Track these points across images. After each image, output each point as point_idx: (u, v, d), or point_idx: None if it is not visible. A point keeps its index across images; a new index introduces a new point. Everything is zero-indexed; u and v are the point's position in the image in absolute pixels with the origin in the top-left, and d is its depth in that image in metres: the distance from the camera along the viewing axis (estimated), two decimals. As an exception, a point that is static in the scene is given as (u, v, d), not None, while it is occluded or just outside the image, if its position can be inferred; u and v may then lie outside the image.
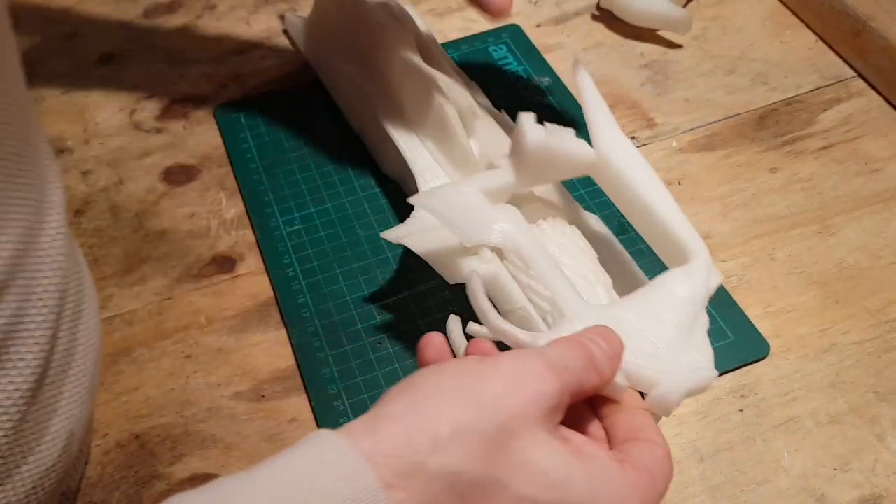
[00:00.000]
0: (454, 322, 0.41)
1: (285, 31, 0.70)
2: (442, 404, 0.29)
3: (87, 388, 0.41)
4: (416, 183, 0.53)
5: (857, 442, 0.47)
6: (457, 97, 0.54)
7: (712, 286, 0.43)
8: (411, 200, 0.46)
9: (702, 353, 0.40)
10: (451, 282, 0.46)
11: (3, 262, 0.33)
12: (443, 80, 0.55)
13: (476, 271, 0.41)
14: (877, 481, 0.45)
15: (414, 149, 0.55)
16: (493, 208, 0.44)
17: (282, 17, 0.72)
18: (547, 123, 0.47)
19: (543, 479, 0.29)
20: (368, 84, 0.59)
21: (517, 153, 0.47)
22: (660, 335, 0.39)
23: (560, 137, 0.47)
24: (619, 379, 0.35)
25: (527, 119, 0.46)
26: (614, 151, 0.47)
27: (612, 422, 0.35)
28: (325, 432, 0.29)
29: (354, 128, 0.62)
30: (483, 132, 0.54)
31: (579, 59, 0.49)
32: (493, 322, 0.39)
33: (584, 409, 0.35)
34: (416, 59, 0.55)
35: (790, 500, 0.45)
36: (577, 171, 0.49)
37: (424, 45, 0.59)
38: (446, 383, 0.30)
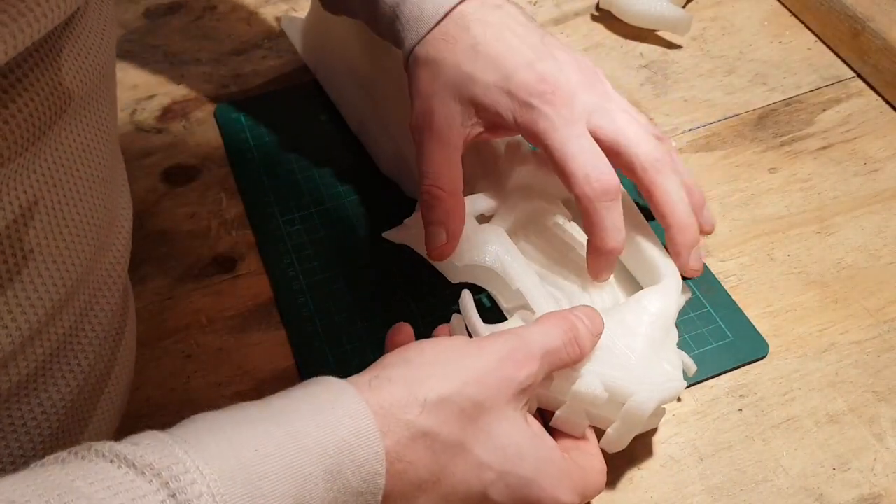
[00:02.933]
0: (467, 298, 0.43)
1: (283, 32, 0.71)
2: (432, 375, 0.35)
3: (117, 408, 0.42)
4: (414, 182, 0.53)
5: (856, 441, 0.47)
6: None
7: (682, 302, 0.46)
8: (407, 222, 0.48)
9: (672, 365, 0.43)
10: (453, 280, 0.47)
11: (71, 278, 0.34)
12: None
13: (467, 290, 0.44)
14: (876, 481, 0.45)
15: (413, 149, 0.55)
16: (482, 230, 0.47)
17: (278, 19, 0.72)
18: (533, 151, 0.50)
19: (501, 451, 0.36)
20: (368, 86, 0.59)
21: (504, 181, 0.49)
22: (633, 348, 0.43)
23: (545, 164, 0.49)
24: (598, 390, 0.40)
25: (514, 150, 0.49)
26: None
27: (561, 437, 0.42)
28: (333, 379, 0.34)
29: (352, 127, 0.62)
30: None
31: None
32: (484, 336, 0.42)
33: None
34: None
35: (789, 499, 0.45)
36: (559, 195, 0.51)
37: None
38: (438, 358, 0.36)
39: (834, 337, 0.51)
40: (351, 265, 0.55)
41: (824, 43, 0.69)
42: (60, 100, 0.31)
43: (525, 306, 0.45)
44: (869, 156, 0.61)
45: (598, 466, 0.41)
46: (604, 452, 0.43)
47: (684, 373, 0.45)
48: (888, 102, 0.65)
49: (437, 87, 0.45)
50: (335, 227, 0.57)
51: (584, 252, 0.48)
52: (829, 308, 0.53)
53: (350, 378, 0.35)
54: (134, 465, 0.27)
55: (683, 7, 0.71)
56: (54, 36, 0.30)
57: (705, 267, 0.54)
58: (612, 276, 0.48)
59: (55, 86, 0.30)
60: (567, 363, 0.40)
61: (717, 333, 0.51)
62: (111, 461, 0.27)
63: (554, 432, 0.42)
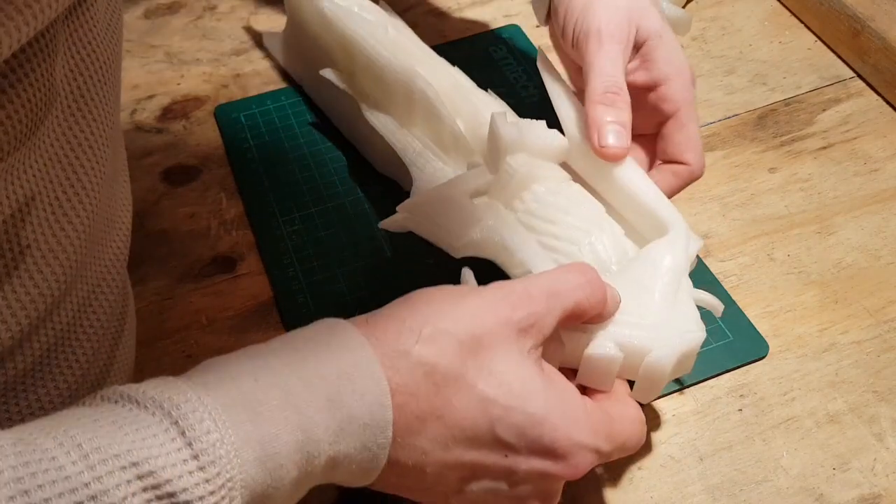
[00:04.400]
0: (469, 274, 0.42)
1: (264, 48, 0.70)
2: (428, 311, 0.35)
3: None
4: (410, 175, 0.53)
5: (856, 441, 0.47)
6: (438, 80, 0.54)
7: (692, 251, 0.44)
8: (400, 208, 0.48)
9: (688, 317, 0.41)
10: (456, 256, 0.46)
11: (69, 273, 0.34)
12: (421, 66, 0.54)
13: (467, 268, 0.43)
14: (876, 481, 0.45)
15: (402, 139, 0.55)
16: (476, 207, 0.46)
17: (253, 30, 0.72)
18: (518, 119, 0.49)
19: (506, 387, 0.34)
20: (349, 87, 0.58)
21: (494, 152, 0.48)
22: (647, 304, 0.41)
23: (533, 131, 0.48)
24: (614, 350, 0.39)
25: (499, 119, 0.47)
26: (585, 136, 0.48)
27: (591, 390, 0.41)
28: (332, 319, 0.35)
29: (344, 133, 0.62)
30: (468, 109, 0.54)
31: (541, 47, 0.52)
32: None
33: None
34: (389, 54, 0.55)
35: (789, 499, 0.45)
36: (552, 160, 0.49)
37: (400, 38, 0.59)
38: (435, 297, 0.36)
39: (834, 337, 0.51)
40: (351, 265, 0.55)
41: (824, 43, 0.69)
42: (52, 93, 0.31)
43: (531, 272, 0.44)
44: (869, 156, 0.61)
45: (632, 414, 0.39)
46: None
47: (711, 314, 0.44)
48: (888, 102, 0.65)
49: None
50: (335, 227, 0.57)
51: (581, 211, 0.47)
52: (829, 308, 0.53)
53: (351, 319, 0.35)
54: (137, 401, 0.28)
55: (683, 7, 0.71)
56: (51, 30, 0.30)
57: (705, 267, 0.54)
58: (618, 228, 0.47)
59: (48, 79, 0.30)
60: (588, 307, 0.38)
61: (717, 333, 0.51)
62: (115, 402, 0.28)
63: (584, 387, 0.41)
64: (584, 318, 0.39)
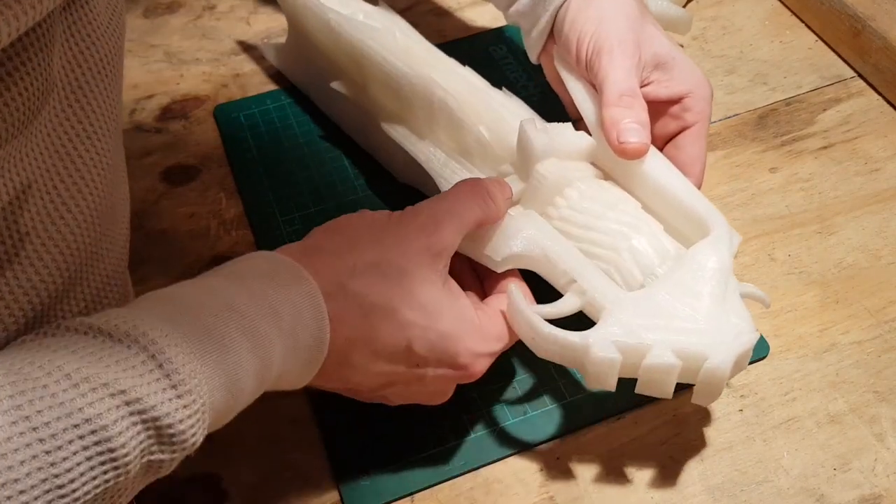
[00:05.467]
0: (516, 293, 0.43)
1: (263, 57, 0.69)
2: (359, 244, 0.40)
3: None
4: (436, 184, 0.52)
5: (857, 442, 0.47)
6: (454, 85, 0.54)
7: (735, 247, 0.44)
8: None
9: (740, 317, 0.41)
10: (497, 270, 0.45)
11: (73, 262, 0.35)
12: (435, 72, 0.54)
13: (514, 285, 0.43)
14: (876, 481, 0.45)
15: (425, 150, 0.54)
16: (513, 218, 0.45)
17: (246, 44, 0.71)
18: (546, 124, 0.49)
19: (422, 310, 0.40)
20: (362, 98, 0.58)
21: (526, 160, 0.48)
22: (698, 308, 0.41)
23: (562, 135, 0.48)
24: (672, 359, 0.39)
25: (529, 126, 0.47)
26: None
27: (488, 285, 0.47)
28: (272, 254, 0.39)
29: (358, 142, 0.62)
30: (489, 115, 0.53)
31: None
32: (543, 331, 0.41)
33: (471, 276, 0.47)
34: (403, 65, 0.54)
35: (790, 499, 0.45)
36: (584, 158, 0.49)
37: (409, 43, 0.59)
38: (362, 230, 0.41)
39: (834, 337, 0.51)
40: (351, 265, 0.55)
41: (825, 42, 0.69)
42: (49, 83, 0.31)
43: (576, 282, 0.44)
44: (870, 155, 0.61)
45: (500, 322, 0.44)
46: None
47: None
48: (889, 102, 0.65)
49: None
50: (335, 227, 0.57)
51: (614, 212, 0.46)
52: (830, 308, 0.53)
53: (281, 249, 0.40)
54: (109, 334, 0.30)
55: (684, 6, 0.71)
56: (48, 20, 0.31)
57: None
58: (656, 225, 0.46)
59: (45, 69, 0.31)
60: (485, 220, 0.43)
61: (718, 333, 0.51)
62: (84, 333, 0.30)
63: (467, 291, 0.45)
64: (482, 227, 0.44)
